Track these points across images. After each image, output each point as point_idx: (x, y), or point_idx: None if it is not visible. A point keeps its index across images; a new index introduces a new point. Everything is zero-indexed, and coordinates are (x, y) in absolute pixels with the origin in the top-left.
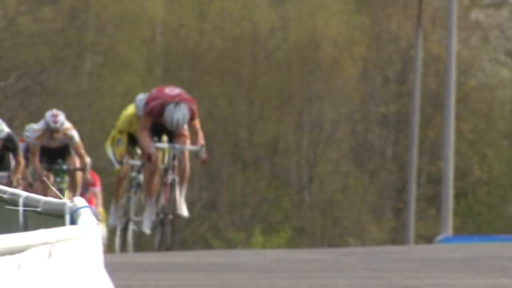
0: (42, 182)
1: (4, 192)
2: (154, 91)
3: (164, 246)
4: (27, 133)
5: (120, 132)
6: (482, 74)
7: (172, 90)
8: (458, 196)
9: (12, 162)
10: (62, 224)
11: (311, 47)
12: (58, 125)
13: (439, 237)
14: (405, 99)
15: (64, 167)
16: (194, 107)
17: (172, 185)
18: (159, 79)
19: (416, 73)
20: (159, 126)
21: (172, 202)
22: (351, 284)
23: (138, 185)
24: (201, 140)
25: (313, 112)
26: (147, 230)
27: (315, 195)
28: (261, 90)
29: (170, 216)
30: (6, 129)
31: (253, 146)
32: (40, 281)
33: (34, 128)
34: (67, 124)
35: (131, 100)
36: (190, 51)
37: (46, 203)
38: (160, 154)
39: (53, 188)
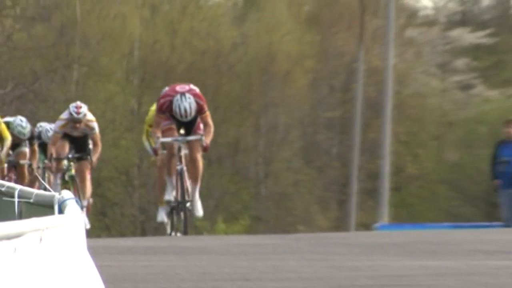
0: (57, 164)
1: (2, 185)
2: (166, 89)
3: (176, 231)
4: (40, 128)
5: (150, 125)
6: (415, 84)
7: (182, 88)
8: (393, 190)
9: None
10: (52, 213)
11: (268, 60)
12: (81, 116)
13: (377, 225)
14: (348, 105)
15: (70, 155)
16: (202, 101)
17: (181, 174)
18: (137, 88)
19: (358, 83)
20: (178, 121)
21: (183, 191)
22: (300, 265)
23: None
24: (207, 132)
25: (269, 116)
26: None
27: (270, 188)
28: (224, 97)
29: (187, 204)
30: (29, 128)
31: (217, 146)
32: (33, 262)
33: (60, 117)
34: (90, 116)
35: (112, 105)
36: (163, 63)
37: (37, 195)
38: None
39: (43, 182)
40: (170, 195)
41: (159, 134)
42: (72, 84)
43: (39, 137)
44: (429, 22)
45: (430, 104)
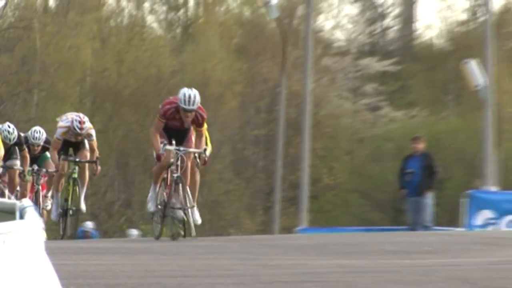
0: (60, 172)
1: None
2: (171, 97)
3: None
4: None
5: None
6: (330, 106)
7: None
8: (311, 198)
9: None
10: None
11: (202, 85)
12: (84, 131)
13: (297, 229)
14: (272, 124)
15: (77, 159)
16: (203, 113)
17: (176, 182)
18: (89, 110)
19: (281, 105)
20: (170, 130)
21: (187, 195)
22: (232, 263)
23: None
24: (204, 144)
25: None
26: (151, 208)
27: (205, 196)
28: None
29: (190, 208)
30: (16, 134)
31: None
32: None
33: (60, 124)
34: (89, 125)
35: None
36: (111, 88)
37: (1, 203)
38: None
39: (9, 196)
40: (153, 205)
41: (162, 139)
42: (32, 106)
43: (26, 141)
44: (342, 52)
45: (343, 123)
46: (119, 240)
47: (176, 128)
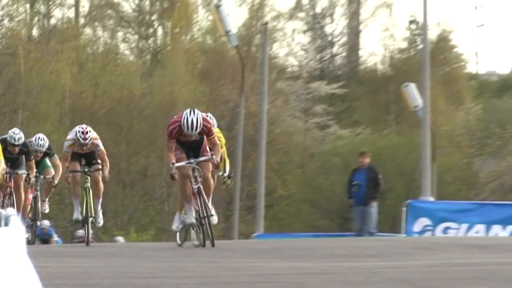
0: (72, 182)
1: None
2: (175, 116)
3: (203, 242)
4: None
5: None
6: (284, 124)
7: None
8: (267, 207)
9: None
10: None
11: (169, 106)
12: (87, 141)
13: (255, 235)
14: (232, 141)
15: (86, 169)
16: (208, 124)
17: (199, 193)
18: (68, 128)
19: (240, 124)
20: (183, 145)
21: (203, 206)
22: (195, 266)
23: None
24: (216, 151)
25: None
26: (174, 228)
27: (171, 205)
28: (135, 135)
29: (208, 217)
30: (22, 136)
31: (130, 172)
32: None
33: (67, 138)
34: (94, 135)
35: (49, 141)
36: (88, 108)
37: None
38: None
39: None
40: (191, 216)
41: (173, 159)
42: (17, 125)
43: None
44: (295, 77)
45: (295, 140)
46: (95, 244)
47: (189, 142)
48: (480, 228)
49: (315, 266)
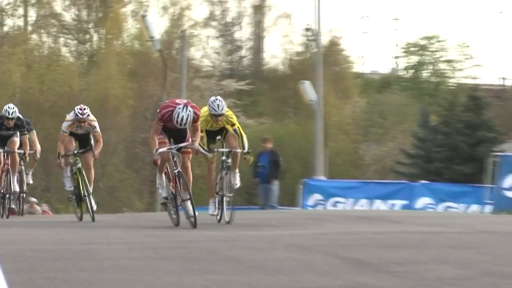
0: (66, 160)
1: None
2: (167, 101)
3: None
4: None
5: (200, 131)
6: None
7: (181, 100)
8: None
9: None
10: None
11: (104, 100)
12: (85, 116)
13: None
14: None
15: (75, 151)
16: (198, 112)
17: (178, 177)
18: None
19: None
20: (168, 131)
21: (181, 191)
22: (124, 233)
23: (228, 168)
24: (195, 137)
25: (104, 136)
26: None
27: (105, 183)
28: None
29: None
30: (15, 111)
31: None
32: None
33: (66, 119)
34: (92, 117)
35: None
36: (35, 102)
37: None
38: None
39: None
40: (163, 192)
41: (157, 145)
42: None
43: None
44: (209, 75)
45: None
46: (40, 216)
47: (173, 128)
48: (364, 202)
49: (226, 235)
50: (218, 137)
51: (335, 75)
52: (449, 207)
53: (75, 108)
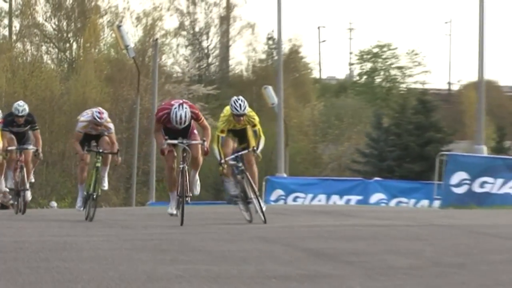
0: (85, 161)
1: None
2: (163, 103)
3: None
4: None
5: (222, 131)
6: None
7: (176, 101)
8: (158, 181)
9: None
10: None
11: (82, 103)
12: (103, 121)
13: (148, 203)
14: (131, 130)
15: (100, 150)
16: (196, 110)
17: (183, 173)
18: None
19: (136, 118)
20: (173, 132)
21: (187, 185)
22: (102, 225)
23: (242, 171)
24: (206, 134)
25: None
26: (170, 210)
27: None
28: (56, 125)
29: (187, 197)
30: (25, 108)
31: (52, 154)
32: None
33: (81, 119)
34: (108, 118)
35: None
36: None
37: None
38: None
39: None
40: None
41: (165, 137)
42: None
43: (11, 114)
44: (179, 81)
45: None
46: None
47: (174, 129)
48: (322, 198)
49: (195, 227)
50: (236, 144)
51: (295, 80)
52: (400, 202)
53: (93, 111)
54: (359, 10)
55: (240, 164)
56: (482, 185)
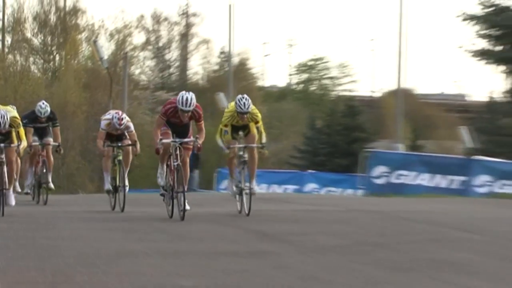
0: (107, 155)
1: None
2: (171, 98)
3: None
4: None
5: (225, 125)
6: (138, 119)
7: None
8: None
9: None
10: None
11: (63, 106)
12: (122, 127)
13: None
14: None
15: (119, 144)
16: (200, 111)
17: (177, 170)
18: None
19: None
20: (172, 125)
21: (177, 182)
22: (79, 210)
23: (245, 162)
24: (201, 135)
25: (64, 133)
26: (160, 183)
27: (65, 171)
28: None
29: (179, 193)
30: (47, 110)
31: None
32: None
33: (104, 118)
34: (127, 118)
35: None
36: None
37: None
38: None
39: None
40: (162, 181)
41: (160, 136)
42: None
43: (34, 113)
44: (145, 88)
45: (145, 128)
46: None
47: (176, 123)
48: (264, 187)
49: (159, 212)
50: (240, 132)
51: (243, 88)
52: (330, 191)
53: (113, 113)
54: (298, 29)
55: (246, 156)
56: (398, 177)
